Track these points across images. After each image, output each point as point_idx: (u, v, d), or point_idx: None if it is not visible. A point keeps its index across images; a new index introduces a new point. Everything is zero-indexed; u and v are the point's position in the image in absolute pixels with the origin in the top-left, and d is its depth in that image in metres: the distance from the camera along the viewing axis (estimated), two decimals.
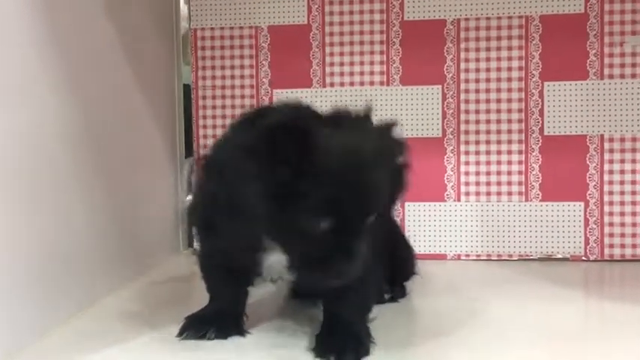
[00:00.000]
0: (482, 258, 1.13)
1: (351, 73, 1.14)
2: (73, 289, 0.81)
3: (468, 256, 1.13)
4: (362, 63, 1.14)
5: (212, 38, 1.17)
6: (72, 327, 0.77)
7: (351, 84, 1.14)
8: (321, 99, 1.14)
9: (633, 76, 1.08)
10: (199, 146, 1.19)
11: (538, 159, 1.11)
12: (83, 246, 0.84)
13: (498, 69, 1.11)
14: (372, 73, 1.14)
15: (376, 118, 1.11)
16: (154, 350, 0.69)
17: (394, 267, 0.86)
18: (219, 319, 0.73)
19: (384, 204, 0.61)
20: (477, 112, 1.12)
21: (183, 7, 1.18)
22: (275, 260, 0.67)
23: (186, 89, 1.20)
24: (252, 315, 0.76)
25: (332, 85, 1.14)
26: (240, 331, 0.73)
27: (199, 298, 0.77)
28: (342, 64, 1.14)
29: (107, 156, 0.91)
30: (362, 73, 1.14)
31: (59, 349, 0.70)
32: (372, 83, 1.14)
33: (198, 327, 0.71)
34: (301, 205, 0.56)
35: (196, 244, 1.15)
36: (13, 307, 0.69)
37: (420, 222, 1.12)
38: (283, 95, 1.15)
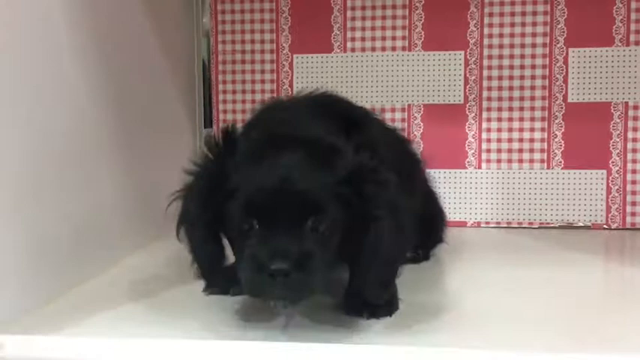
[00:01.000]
0: (502, 225, 1.12)
1: (373, 38, 1.13)
2: (94, 251, 0.82)
3: (488, 223, 1.13)
4: (384, 28, 1.12)
5: (232, 2, 1.16)
6: (97, 283, 0.78)
7: (373, 49, 1.13)
8: (343, 64, 1.13)
9: None
10: (219, 112, 1.18)
11: (561, 126, 1.10)
12: (104, 209, 0.84)
13: (522, 35, 1.09)
14: (394, 38, 1.12)
15: (398, 84, 1.11)
16: (177, 306, 0.70)
17: (423, 232, 0.86)
18: None
19: (323, 210, 0.58)
20: (500, 78, 1.10)
21: None
22: None
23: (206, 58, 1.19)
24: None
25: (353, 50, 1.13)
26: None
27: None
28: (363, 28, 1.13)
29: (129, 123, 0.91)
30: (384, 38, 1.13)
31: (83, 303, 0.71)
32: (394, 49, 1.12)
33: (222, 283, 0.71)
34: (231, 208, 0.60)
35: None
36: (41, 266, 0.70)
37: (441, 189, 1.12)
38: (303, 60, 1.14)
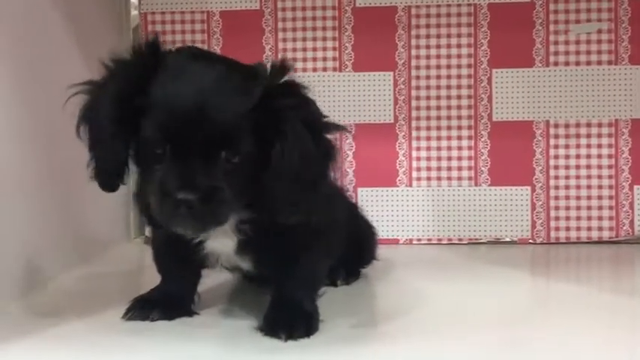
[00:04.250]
0: (433, 242, 1.14)
1: (304, 59, 1.14)
2: (18, 273, 0.79)
3: (419, 240, 1.14)
4: (314, 49, 1.14)
5: (163, 22, 1.15)
6: (17, 308, 0.76)
7: (304, 70, 1.14)
8: None
9: (577, 63, 1.11)
10: None
11: (487, 144, 1.13)
12: (29, 230, 0.82)
13: (448, 56, 1.13)
14: (324, 59, 1.14)
15: (329, 104, 1.13)
16: (94, 332, 0.68)
17: (354, 252, 0.85)
18: (166, 300, 0.72)
19: (238, 141, 0.57)
20: (428, 98, 1.13)
21: None
22: (219, 246, 0.67)
23: None
24: (202, 298, 0.76)
25: None
26: (188, 313, 0.72)
27: (147, 282, 0.77)
28: (294, 49, 1.14)
29: (56, 144, 0.89)
30: (315, 59, 1.14)
31: (7, 327, 0.69)
32: (324, 69, 1.14)
33: (143, 308, 0.71)
34: (142, 130, 0.58)
35: (147, 231, 1.14)
36: None
37: (373, 207, 1.13)
38: None
